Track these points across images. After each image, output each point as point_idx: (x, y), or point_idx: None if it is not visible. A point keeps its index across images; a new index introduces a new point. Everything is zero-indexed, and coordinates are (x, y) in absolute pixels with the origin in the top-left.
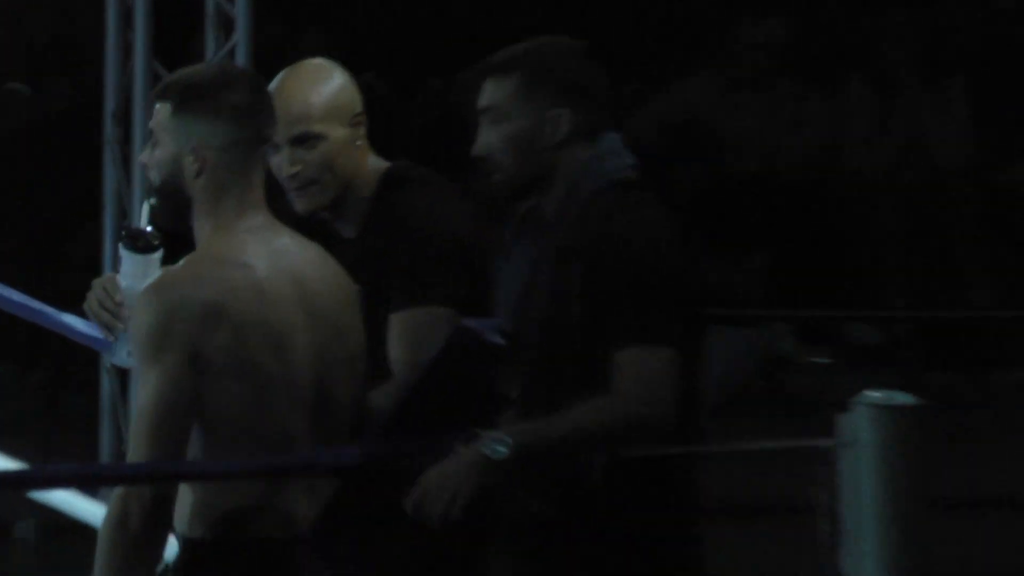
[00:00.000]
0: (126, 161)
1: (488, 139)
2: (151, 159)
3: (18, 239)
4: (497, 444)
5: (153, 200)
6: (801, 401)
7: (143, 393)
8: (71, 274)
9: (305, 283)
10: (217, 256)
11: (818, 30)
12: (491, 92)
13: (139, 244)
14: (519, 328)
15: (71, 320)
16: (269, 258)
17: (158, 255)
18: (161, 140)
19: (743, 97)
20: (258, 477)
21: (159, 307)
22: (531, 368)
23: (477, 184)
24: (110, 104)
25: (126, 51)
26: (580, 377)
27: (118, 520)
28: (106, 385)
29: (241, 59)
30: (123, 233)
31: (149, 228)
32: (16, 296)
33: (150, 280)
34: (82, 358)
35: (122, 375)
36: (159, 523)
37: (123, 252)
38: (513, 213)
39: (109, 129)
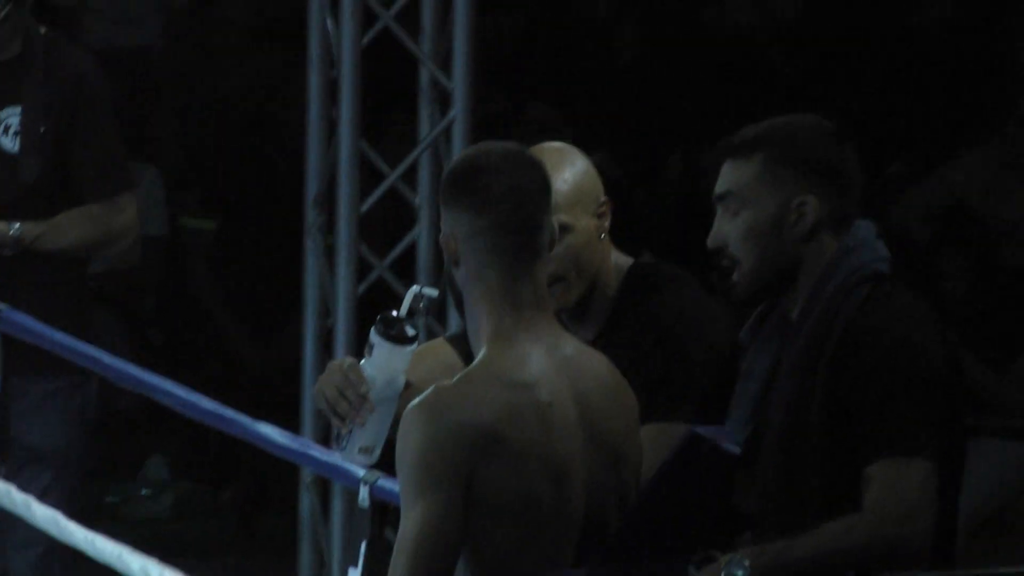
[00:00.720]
0: (329, 252)
1: (725, 229)
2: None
3: (207, 340)
4: (735, 568)
5: (420, 288)
6: None
7: (406, 525)
8: (266, 381)
9: (587, 403)
10: (496, 374)
11: None
12: (729, 176)
13: (393, 333)
14: (756, 439)
15: (268, 431)
16: (553, 375)
17: (412, 348)
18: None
19: (1018, 179)
20: None
21: (431, 431)
22: (770, 483)
23: (716, 280)
24: (312, 188)
25: (329, 129)
26: (825, 493)
27: None
28: (305, 503)
29: (459, 137)
30: (379, 318)
31: (407, 317)
32: (206, 404)
33: (399, 378)
34: (280, 473)
35: (323, 493)
36: None
37: (375, 339)
38: (751, 312)
39: (311, 216)
